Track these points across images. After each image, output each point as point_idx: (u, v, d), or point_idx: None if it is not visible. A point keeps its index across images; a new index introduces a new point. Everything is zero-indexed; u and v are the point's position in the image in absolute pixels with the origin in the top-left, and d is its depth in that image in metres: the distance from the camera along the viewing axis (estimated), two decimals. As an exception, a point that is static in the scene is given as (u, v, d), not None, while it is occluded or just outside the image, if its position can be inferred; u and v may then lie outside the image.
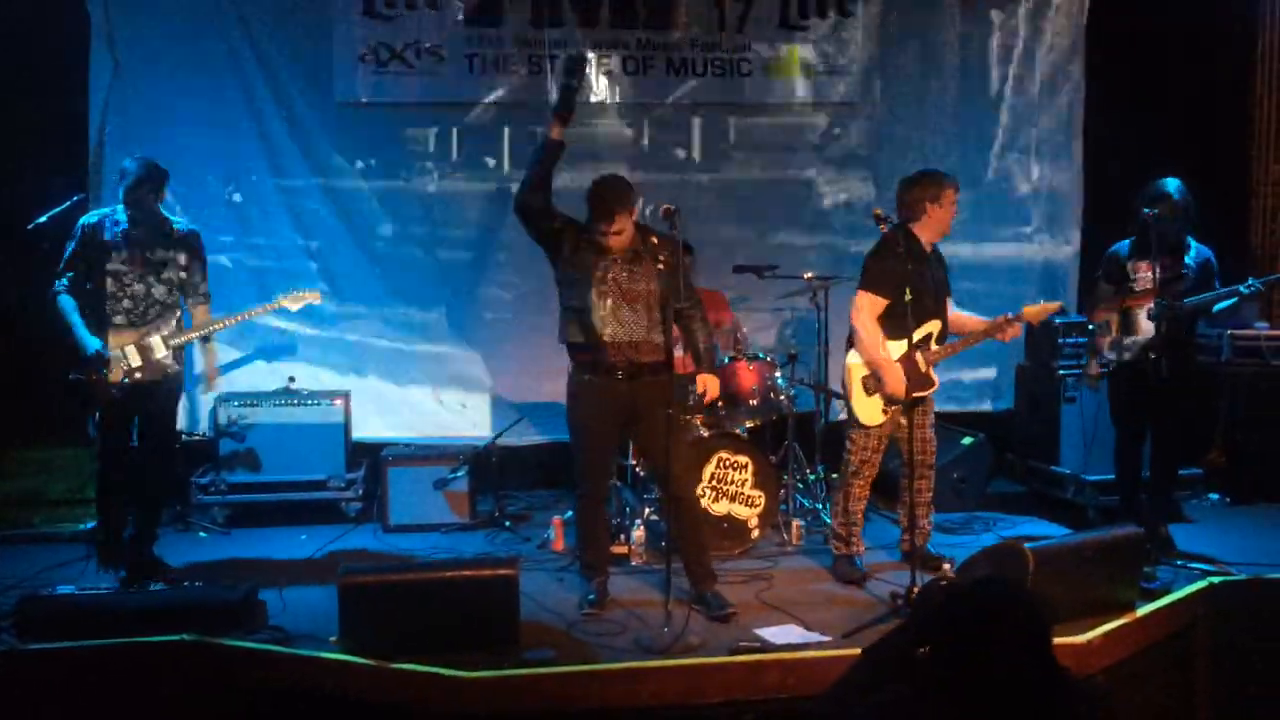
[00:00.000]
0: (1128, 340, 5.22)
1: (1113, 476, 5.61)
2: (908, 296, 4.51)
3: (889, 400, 4.84)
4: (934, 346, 4.89)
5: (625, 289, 4.48)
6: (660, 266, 4.52)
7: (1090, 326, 5.43)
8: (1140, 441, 5.41)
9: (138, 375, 4.80)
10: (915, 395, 4.79)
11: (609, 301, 4.47)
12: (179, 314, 4.98)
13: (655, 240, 4.58)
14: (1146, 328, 5.13)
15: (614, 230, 4.38)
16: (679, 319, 4.60)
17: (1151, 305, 5.10)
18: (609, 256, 4.47)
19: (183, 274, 4.94)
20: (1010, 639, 2.07)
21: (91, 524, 5.71)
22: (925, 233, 4.88)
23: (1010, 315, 4.92)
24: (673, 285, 4.49)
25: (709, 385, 4.68)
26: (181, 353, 5.02)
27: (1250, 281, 5.19)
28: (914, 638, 2.25)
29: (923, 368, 4.85)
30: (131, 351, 4.79)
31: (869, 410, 4.89)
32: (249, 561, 5.31)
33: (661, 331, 4.53)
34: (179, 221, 5.02)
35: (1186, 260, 5.21)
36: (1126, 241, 5.34)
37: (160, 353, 4.84)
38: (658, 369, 4.55)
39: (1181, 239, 5.22)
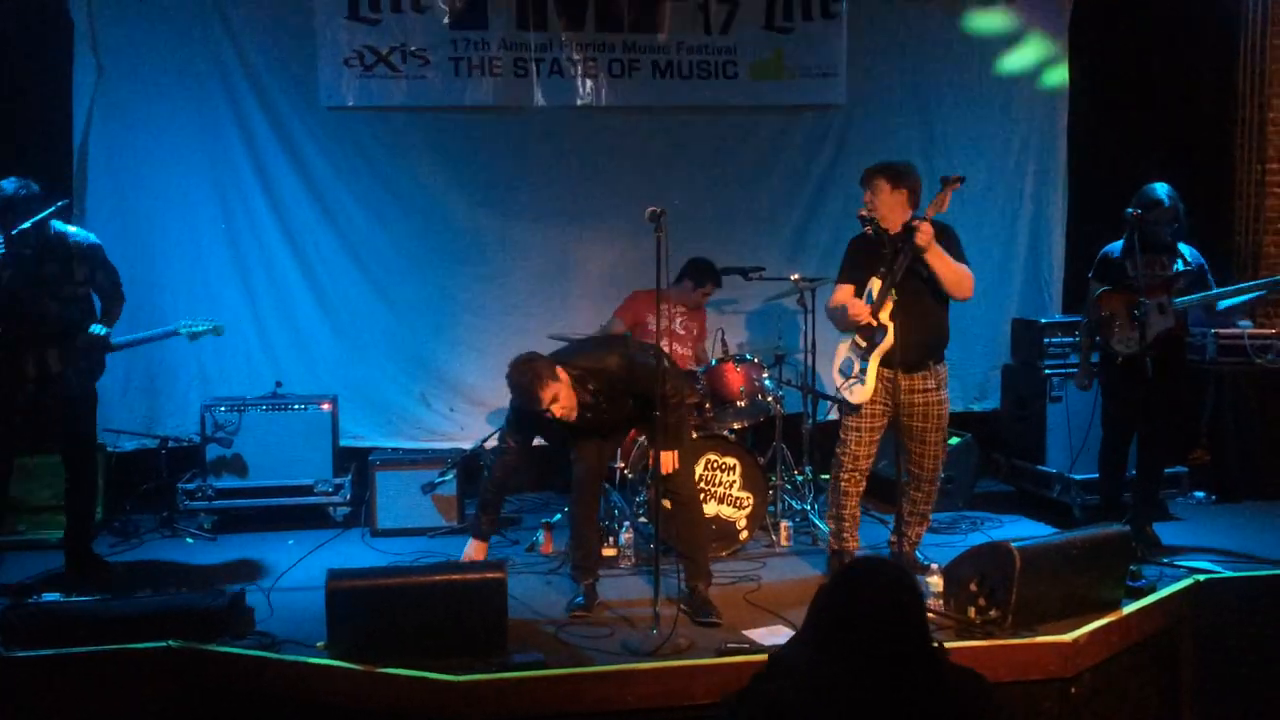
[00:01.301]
0: (1133, 335, 5.22)
1: (1099, 475, 5.64)
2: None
3: (861, 355, 4.80)
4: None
5: (596, 431, 4.66)
6: (604, 407, 4.59)
7: (1104, 323, 5.35)
8: (1130, 440, 5.43)
9: (33, 390, 4.79)
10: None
11: (591, 449, 4.72)
12: (86, 327, 4.92)
13: (591, 388, 4.55)
14: (1155, 322, 5.16)
15: (546, 409, 4.41)
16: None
17: (1164, 299, 5.14)
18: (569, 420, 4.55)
19: (80, 289, 4.91)
20: (878, 606, 2.16)
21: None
22: (883, 221, 4.78)
23: (915, 219, 4.64)
24: (631, 399, 4.60)
25: (664, 460, 4.56)
26: (94, 363, 4.98)
27: None
28: (806, 626, 2.29)
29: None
30: (30, 369, 4.77)
31: (854, 392, 4.85)
32: (236, 566, 5.30)
33: (641, 420, 4.72)
34: (75, 233, 4.97)
35: (1179, 263, 5.25)
36: (1119, 242, 5.38)
37: (56, 368, 4.82)
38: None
39: (1173, 243, 5.25)
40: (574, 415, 4.51)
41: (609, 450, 5.04)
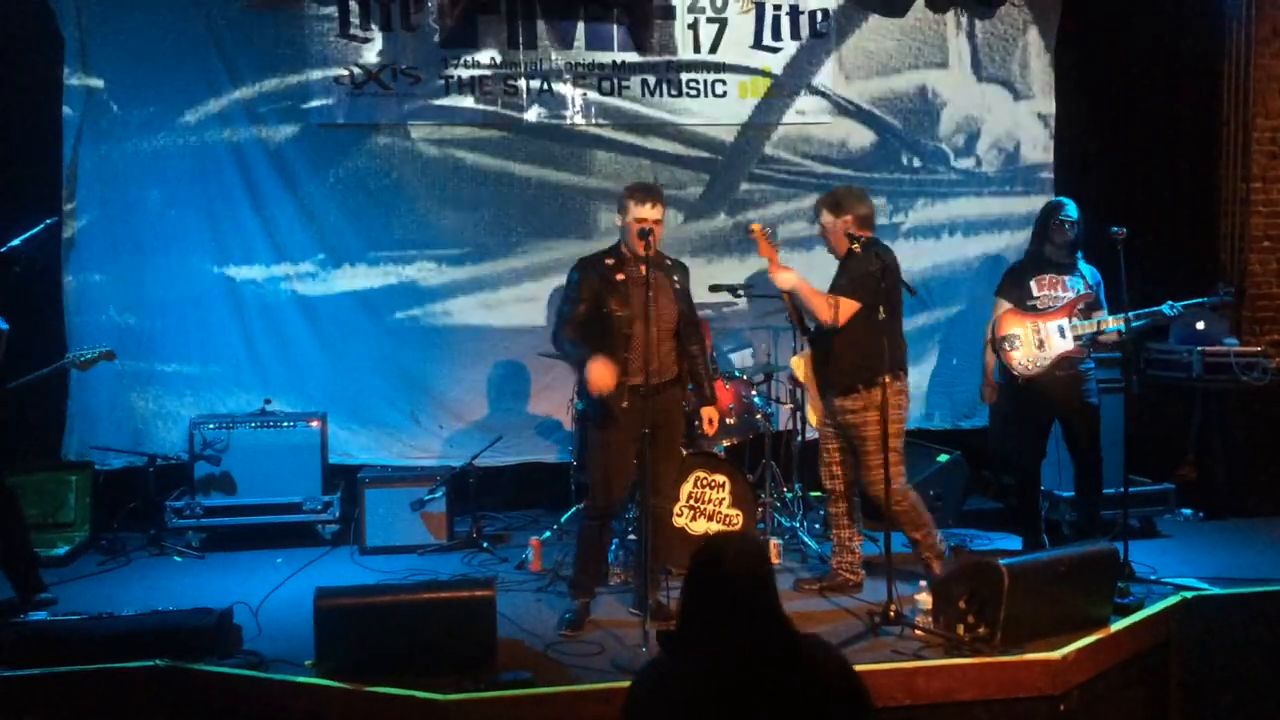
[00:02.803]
0: (1042, 356, 5.31)
1: (1018, 487, 5.73)
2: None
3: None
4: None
5: (654, 313, 4.52)
6: (676, 287, 4.71)
7: (1005, 342, 5.42)
8: (1038, 460, 5.57)
9: None
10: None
11: (639, 326, 4.52)
12: None
13: (669, 261, 4.75)
14: (1057, 344, 5.27)
15: (656, 218, 4.57)
16: (682, 341, 4.76)
17: (1065, 321, 5.28)
18: (635, 282, 4.55)
19: None
20: (731, 575, 2.30)
21: (64, 549, 5.69)
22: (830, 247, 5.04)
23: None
24: (684, 306, 4.72)
25: (714, 417, 4.93)
26: None
27: (1170, 304, 5.40)
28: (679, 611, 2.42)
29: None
30: None
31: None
32: (224, 584, 5.27)
33: (676, 350, 4.73)
34: None
35: (1079, 281, 5.40)
36: (1020, 259, 5.54)
37: None
38: (671, 384, 4.74)
39: (1073, 261, 5.43)
40: (654, 243, 4.52)
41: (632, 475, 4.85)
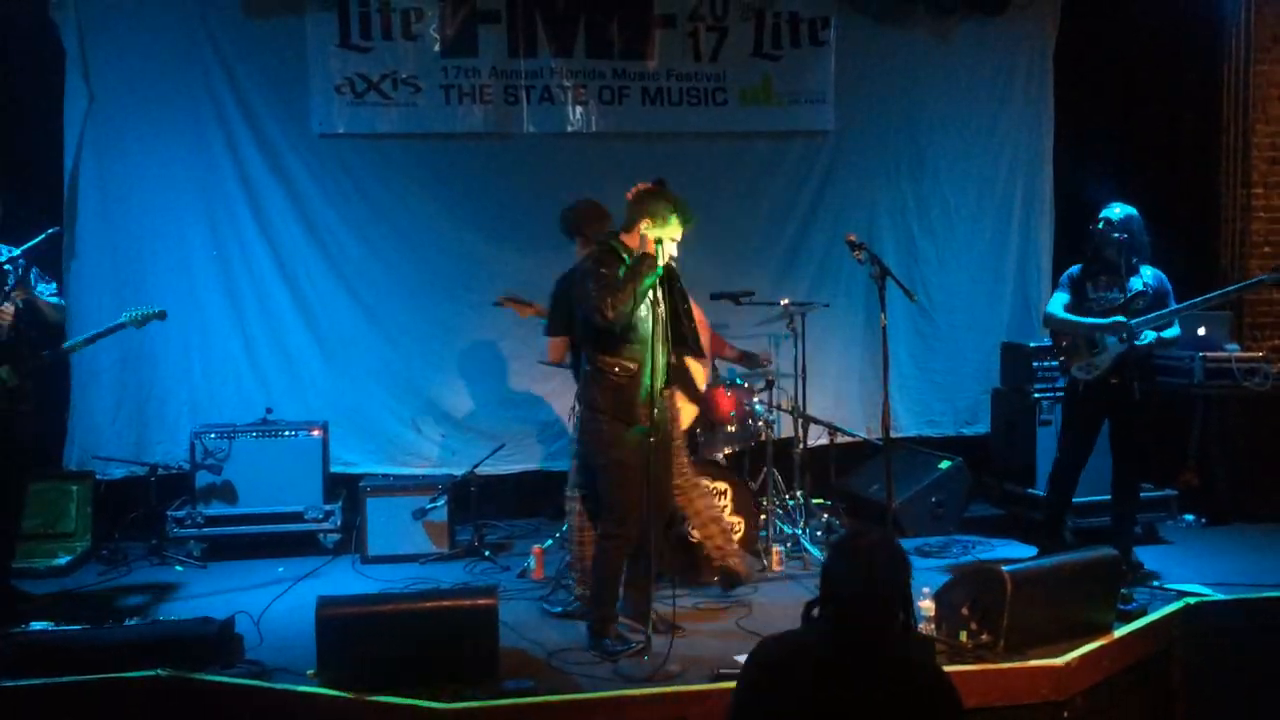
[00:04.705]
0: (1095, 360, 5.27)
1: (1089, 499, 5.67)
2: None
3: None
4: None
5: (665, 322, 4.48)
6: (674, 296, 4.56)
7: (1062, 352, 5.42)
8: (1078, 471, 5.45)
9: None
10: None
11: (658, 332, 4.43)
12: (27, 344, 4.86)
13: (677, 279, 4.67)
14: (1111, 347, 5.19)
15: (678, 239, 4.46)
16: None
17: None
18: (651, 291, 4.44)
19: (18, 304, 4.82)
20: (852, 574, 2.47)
21: (65, 559, 5.69)
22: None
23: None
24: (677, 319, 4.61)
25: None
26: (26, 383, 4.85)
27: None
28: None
29: None
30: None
31: None
32: (225, 594, 5.27)
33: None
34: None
35: (1138, 284, 5.28)
36: (1079, 265, 5.44)
37: (12, 382, 4.76)
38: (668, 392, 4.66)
39: (1130, 264, 5.29)
40: (671, 250, 4.41)
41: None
